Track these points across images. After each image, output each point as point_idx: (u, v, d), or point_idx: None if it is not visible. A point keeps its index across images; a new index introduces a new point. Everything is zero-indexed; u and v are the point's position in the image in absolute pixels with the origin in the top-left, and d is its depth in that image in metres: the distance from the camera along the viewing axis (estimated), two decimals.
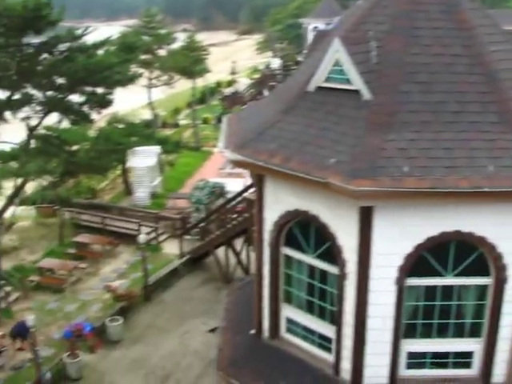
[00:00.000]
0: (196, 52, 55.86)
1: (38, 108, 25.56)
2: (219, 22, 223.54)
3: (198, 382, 22.48)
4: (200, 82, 63.81)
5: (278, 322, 13.99)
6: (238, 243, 29.13)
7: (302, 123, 12.31)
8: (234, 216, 28.21)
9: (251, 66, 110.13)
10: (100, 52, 25.79)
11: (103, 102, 26.68)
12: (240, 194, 27.50)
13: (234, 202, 28.10)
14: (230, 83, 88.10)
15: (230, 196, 33.27)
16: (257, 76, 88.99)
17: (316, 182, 10.81)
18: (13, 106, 24.41)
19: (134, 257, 32.97)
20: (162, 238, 34.55)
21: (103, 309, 27.53)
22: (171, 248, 33.25)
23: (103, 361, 24.16)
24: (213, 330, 25.09)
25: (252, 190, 25.95)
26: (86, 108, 26.51)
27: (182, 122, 65.87)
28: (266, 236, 13.37)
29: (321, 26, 77.60)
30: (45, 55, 23.49)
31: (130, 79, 28.68)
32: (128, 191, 42.02)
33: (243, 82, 77.27)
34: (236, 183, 36.25)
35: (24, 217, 37.73)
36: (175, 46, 57.40)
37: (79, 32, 23.84)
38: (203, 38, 69.86)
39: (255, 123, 13.69)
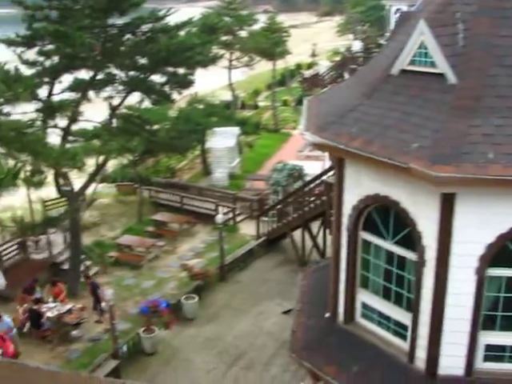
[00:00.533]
0: (277, 33, 55.66)
1: (121, 88, 26.03)
2: (300, 4, 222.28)
3: (271, 363, 22.57)
4: (280, 64, 63.51)
5: (354, 306, 13.89)
6: (315, 226, 28.99)
7: (385, 107, 12.12)
8: (312, 199, 28.06)
9: (332, 49, 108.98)
10: (182, 33, 26.09)
11: (184, 83, 26.94)
12: (319, 176, 27.31)
13: (312, 185, 27.91)
14: (310, 65, 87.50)
15: (308, 179, 33.25)
16: (337, 59, 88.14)
17: (397, 167, 10.62)
18: (96, 85, 24.90)
19: (210, 236, 33.33)
20: (239, 218, 34.77)
21: (179, 287, 27.94)
22: (248, 229, 33.46)
23: (177, 337, 24.53)
24: (287, 312, 25.11)
25: (331, 173, 25.83)
26: (167, 88, 26.84)
27: (262, 104, 65.86)
28: (345, 220, 13.26)
29: (404, 7, 76.32)
30: (128, 36, 23.84)
31: (211, 60, 28.84)
32: (206, 171, 42.43)
33: (324, 65, 76.39)
34: (314, 166, 36.10)
35: (104, 194, 38.55)
36: (256, 27, 57.32)
37: (162, 13, 24.08)
38: (284, 19, 69.43)
39: (336, 106, 13.56)
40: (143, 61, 24.95)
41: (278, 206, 30.34)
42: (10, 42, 23.81)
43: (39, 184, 14.01)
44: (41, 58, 24.02)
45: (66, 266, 28.92)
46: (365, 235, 13.09)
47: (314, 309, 15.89)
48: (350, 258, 13.45)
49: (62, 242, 30.02)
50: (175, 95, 28.29)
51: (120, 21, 23.53)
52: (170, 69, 25.96)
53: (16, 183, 12.40)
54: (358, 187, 12.65)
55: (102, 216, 36.02)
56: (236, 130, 39.44)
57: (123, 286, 28.31)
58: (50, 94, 23.65)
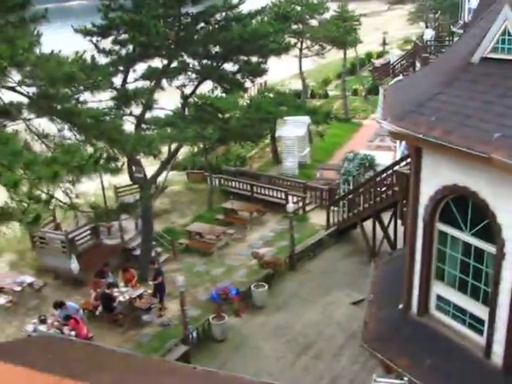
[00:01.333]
0: (348, 22, 55.18)
1: (193, 76, 26.19)
2: None
3: (340, 353, 22.45)
4: (351, 53, 62.99)
5: (428, 298, 13.73)
6: (386, 217, 28.66)
7: (464, 96, 11.89)
8: (384, 189, 27.72)
9: (402, 37, 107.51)
10: (254, 21, 26.07)
11: (257, 71, 26.91)
12: (391, 167, 26.95)
13: (384, 175, 27.56)
14: (381, 54, 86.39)
15: (379, 169, 32.90)
16: (408, 47, 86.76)
17: (478, 157, 10.40)
18: (169, 74, 25.10)
19: (280, 225, 33.32)
20: (308, 207, 34.67)
21: (248, 274, 28.03)
22: (317, 218, 33.31)
23: (247, 325, 24.64)
24: (357, 303, 24.95)
25: (403, 163, 25.52)
26: (239, 76, 26.90)
27: (332, 93, 65.44)
28: (421, 210, 13.10)
29: None
30: (201, 24, 23.96)
31: (285, 48, 28.69)
32: (276, 160, 42.44)
33: (395, 54, 75.24)
34: (386, 156, 35.78)
35: (175, 182, 38.94)
36: (327, 15, 56.88)
37: (235, 1, 24.10)
38: (354, 7, 68.60)
39: (414, 95, 13.37)
40: (216, 49, 25.02)
41: (349, 196, 30.06)
42: (86, 32, 24.25)
43: (116, 171, 14.19)
44: (116, 47, 24.38)
45: (137, 252, 29.39)
46: (441, 226, 12.91)
47: (386, 300, 15.77)
48: (425, 250, 13.29)
49: (133, 229, 30.51)
50: (247, 84, 28.28)
51: (193, 9, 23.63)
52: (243, 57, 25.97)
53: (97, 169, 12.60)
54: (435, 177, 12.46)
55: (173, 203, 36.43)
56: (306, 119, 39.18)
57: (194, 272, 28.58)
58: (125, 82, 23.99)
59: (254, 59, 26.96)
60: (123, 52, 24.21)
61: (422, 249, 13.32)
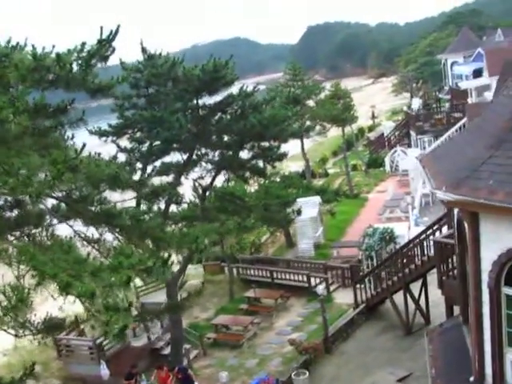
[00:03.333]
0: (343, 99, 55.98)
1: (209, 167, 26.12)
2: (347, 70, 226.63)
3: None
4: (346, 130, 63.70)
5: (503, 367, 13.14)
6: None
7: None
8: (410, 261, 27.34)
9: (389, 109, 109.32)
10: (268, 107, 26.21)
11: (278, 156, 26.89)
12: (417, 237, 26.69)
13: (410, 246, 27.24)
14: (372, 128, 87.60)
15: (399, 241, 32.67)
16: (398, 118, 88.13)
17: None
18: (187, 167, 25.06)
19: (306, 309, 32.78)
20: (332, 288, 34.13)
21: (284, 363, 27.30)
22: (342, 297, 32.76)
23: None
24: (402, 380, 24.16)
25: (429, 232, 25.35)
26: (258, 163, 26.91)
27: (331, 171, 65.78)
28: (485, 276, 12.69)
29: (460, 60, 76.25)
30: (219, 114, 24.08)
31: (306, 130, 28.86)
32: (290, 243, 42.10)
33: (387, 126, 76.40)
34: (401, 227, 35.55)
35: (191, 275, 38.42)
36: (321, 95, 57.69)
37: (250, 90, 24.29)
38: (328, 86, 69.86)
39: (463, 161, 13.17)
40: (232, 138, 25.04)
41: (376, 271, 29.61)
42: (101, 134, 24.32)
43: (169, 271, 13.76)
44: (133, 145, 24.42)
45: (165, 351, 28.69)
46: (509, 290, 12.47)
47: (452, 373, 15.19)
48: (493, 316, 12.80)
49: (159, 327, 29.85)
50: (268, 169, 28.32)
51: (209, 100, 23.80)
52: (264, 143, 26.01)
53: (165, 271, 12.25)
54: (497, 241, 12.12)
55: (193, 297, 35.82)
56: (317, 198, 39.15)
57: (227, 366, 27.79)
58: (147, 177, 23.87)
59: (270, 144, 27.05)
60: (143, 149, 24.22)
61: (491, 316, 12.83)
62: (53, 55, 11.89)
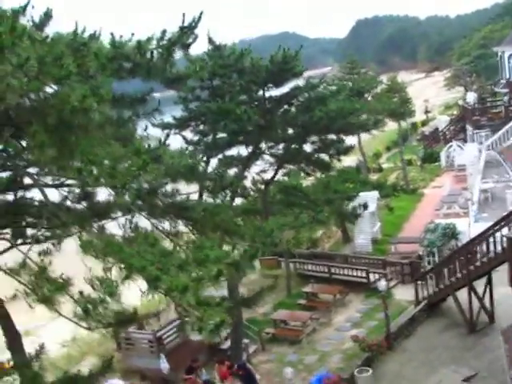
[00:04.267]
0: (399, 93, 55.19)
1: (272, 160, 25.80)
2: (396, 64, 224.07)
3: None
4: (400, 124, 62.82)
5: None
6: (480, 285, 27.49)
7: None
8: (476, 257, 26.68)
9: (442, 103, 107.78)
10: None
11: (345, 149, 26.48)
12: (483, 233, 26.01)
13: (476, 242, 26.58)
14: (425, 122, 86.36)
15: (461, 237, 32.00)
16: (452, 112, 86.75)
17: None
18: (250, 160, 24.74)
19: (365, 305, 32.34)
20: (391, 284, 33.59)
21: (344, 359, 26.87)
22: (402, 294, 32.21)
23: None
24: (468, 379, 23.55)
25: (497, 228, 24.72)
26: (324, 156, 26.53)
27: (385, 166, 65.01)
28: None
29: None
30: (285, 107, 23.72)
31: (374, 123, 28.40)
32: (346, 238, 41.64)
33: (442, 120, 75.12)
34: (462, 223, 34.83)
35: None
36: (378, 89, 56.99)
37: (316, 81, 23.87)
38: (384, 80, 68.78)
39: None
40: (298, 130, 24.62)
41: (441, 267, 28.98)
42: (164, 126, 24.15)
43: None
44: (196, 137, 24.25)
45: (224, 346, 28.51)
46: None
47: None
48: None
49: None
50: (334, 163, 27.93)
51: (275, 92, 23.45)
52: (331, 136, 25.60)
53: (252, 265, 12.03)
54: None
55: (250, 292, 35.56)
56: (375, 194, 38.57)
57: (286, 362, 27.49)
58: (219, 171, 23.67)
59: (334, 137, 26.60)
60: (207, 141, 24.02)
61: None
62: (131, 43, 11.70)
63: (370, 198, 39.05)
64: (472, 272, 26.65)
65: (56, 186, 13.76)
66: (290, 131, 24.51)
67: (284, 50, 21.19)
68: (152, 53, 11.87)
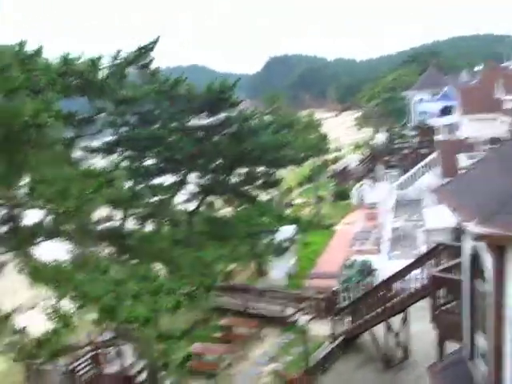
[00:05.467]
0: (316, 130, 55.97)
1: (196, 190, 25.42)
2: (307, 102, 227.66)
3: None
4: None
5: None
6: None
7: None
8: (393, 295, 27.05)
9: (351, 142, 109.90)
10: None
11: (273, 182, 26.38)
12: (400, 272, 26.45)
13: (394, 281, 26.94)
14: (335, 160, 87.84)
15: (376, 273, 32.44)
16: (360, 152, 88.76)
17: None
18: (173, 189, 24.29)
19: (280, 339, 32.08)
20: (307, 319, 33.51)
21: None
22: (318, 329, 32.07)
23: None
24: None
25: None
26: (249, 188, 26.33)
27: (297, 201, 65.54)
28: (509, 313, 12.33)
29: (426, 96, 77.34)
30: (216, 137, 23.44)
31: (303, 158, 28.44)
32: (261, 272, 41.43)
33: (352, 158, 76.77)
34: (379, 260, 35.39)
35: None
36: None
37: (248, 113, 23.73)
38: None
39: (489, 193, 12.90)
40: (227, 161, 24.34)
41: (359, 303, 29.20)
42: (93, 150, 23.44)
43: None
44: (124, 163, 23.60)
45: (139, 379, 27.71)
46: None
47: None
48: None
49: (131, 353, 28.86)
50: (261, 196, 27.77)
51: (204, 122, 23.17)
52: (261, 168, 25.45)
53: (210, 295, 11.57)
54: None
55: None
56: (291, 228, 38.66)
57: None
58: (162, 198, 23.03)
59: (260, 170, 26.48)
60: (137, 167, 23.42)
61: None
62: (83, 60, 11.24)
63: (286, 232, 39.13)
64: (390, 308, 26.99)
65: None
66: (218, 162, 24.24)
67: (223, 80, 21.09)
68: (107, 71, 11.48)
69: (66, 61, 11.15)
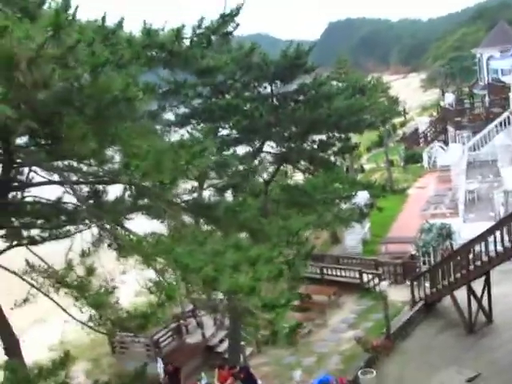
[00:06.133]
0: (385, 93, 55.06)
1: (271, 159, 25.18)
2: (370, 66, 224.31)
3: None
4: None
5: None
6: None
7: None
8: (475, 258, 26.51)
9: (418, 105, 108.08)
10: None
11: (350, 147, 26.09)
12: (482, 235, 25.86)
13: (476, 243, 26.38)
14: (404, 123, 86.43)
15: (455, 237, 31.89)
16: (428, 114, 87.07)
17: None
18: (249, 159, 24.10)
19: (359, 306, 32.10)
20: (387, 284, 33.30)
21: (343, 361, 26.60)
22: (396, 294, 31.76)
23: None
24: (472, 380, 23.34)
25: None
26: (329, 154, 26.06)
27: (366, 167, 64.89)
28: None
29: (496, 54, 74.92)
30: (291, 104, 23.14)
31: (382, 121, 28.04)
32: (335, 239, 41.27)
33: (422, 121, 75.23)
34: (457, 223, 34.79)
35: None
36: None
37: (323, 79, 23.35)
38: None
39: None
40: (304, 128, 23.96)
41: (439, 267, 28.75)
42: (165, 123, 23.40)
43: None
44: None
45: (220, 349, 28.07)
46: None
47: None
48: None
49: (212, 325, 29.22)
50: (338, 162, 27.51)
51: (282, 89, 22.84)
52: (337, 134, 25.10)
53: (307, 264, 11.50)
54: None
55: None
56: (365, 194, 38.24)
57: (284, 364, 27.13)
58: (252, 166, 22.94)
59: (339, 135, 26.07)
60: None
61: None
62: (164, 32, 11.12)
63: (361, 197, 38.74)
64: (472, 272, 26.49)
65: (78, 183, 13.04)
66: (294, 129, 23.92)
67: (298, 45, 20.77)
68: (192, 41, 11.35)
69: (149, 32, 11.07)
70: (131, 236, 10.85)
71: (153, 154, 9.16)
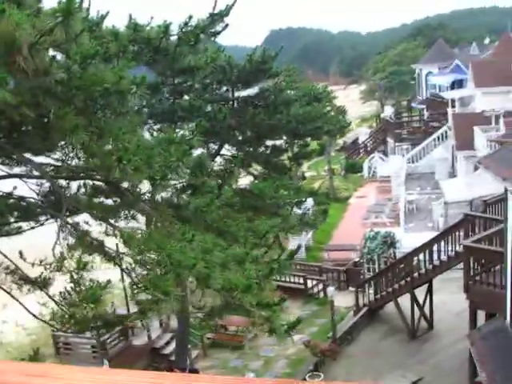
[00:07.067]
0: (331, 103, 55.73)
1: (227, 162, 25.20)
2: (310, 75, 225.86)
3: None
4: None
5: None
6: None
7: None
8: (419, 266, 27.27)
9: (358, 116, 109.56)
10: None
11: (307, 154, 26.33)
12: (426, 244, 26.66)
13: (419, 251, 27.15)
14: (343, 134, 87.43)
15: (398, 245, 32.66)
16: (367, 125, 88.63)
17: None
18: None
19: (303, 311, 32.28)
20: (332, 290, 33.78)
21: (290, 365, 26.88)
22: (340, 300, 32.21)
23: None
24: (415, 383, 23.98)
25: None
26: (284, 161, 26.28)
27: (307, 174, 65.45)
28: None
29: (435, 70, 76.99)
30: (250, 108, 23.20)
31: (339, 129, 28.38)
32: (278, 245, 41.51)
33: (362, 132, 76.66)
34: (400, 232, 35.63)
35: None
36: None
37: (283, 85, 23.52)
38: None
39: None
40: (262, 132, 24.08)
41: (384, 274, 29.41)
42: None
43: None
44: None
45: (165, 351, 27.98)
46: None
47: (504, 378, 14.91)
48: None
49: (158, 326, 29.11)
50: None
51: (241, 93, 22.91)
52: (295, 140, 25.33)
53: (291, 264, 11.62)
54: None
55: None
56: (310, 201, 38.71)
57: (230, 368, 27.22)
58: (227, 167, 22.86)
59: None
60: None
61: None
62: (150, 27, 11.13)
63: (308, 205, 39.21)
64: (416, 280, 27.20)
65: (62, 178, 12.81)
66: (250, 133, 24.04)
67: (264, 50, 20.92)
68: (180, 38, 11.37)
69: (135, 27, 11.07)
70: (122, 232, 10.78)
71: (142, 149, 9.18)
